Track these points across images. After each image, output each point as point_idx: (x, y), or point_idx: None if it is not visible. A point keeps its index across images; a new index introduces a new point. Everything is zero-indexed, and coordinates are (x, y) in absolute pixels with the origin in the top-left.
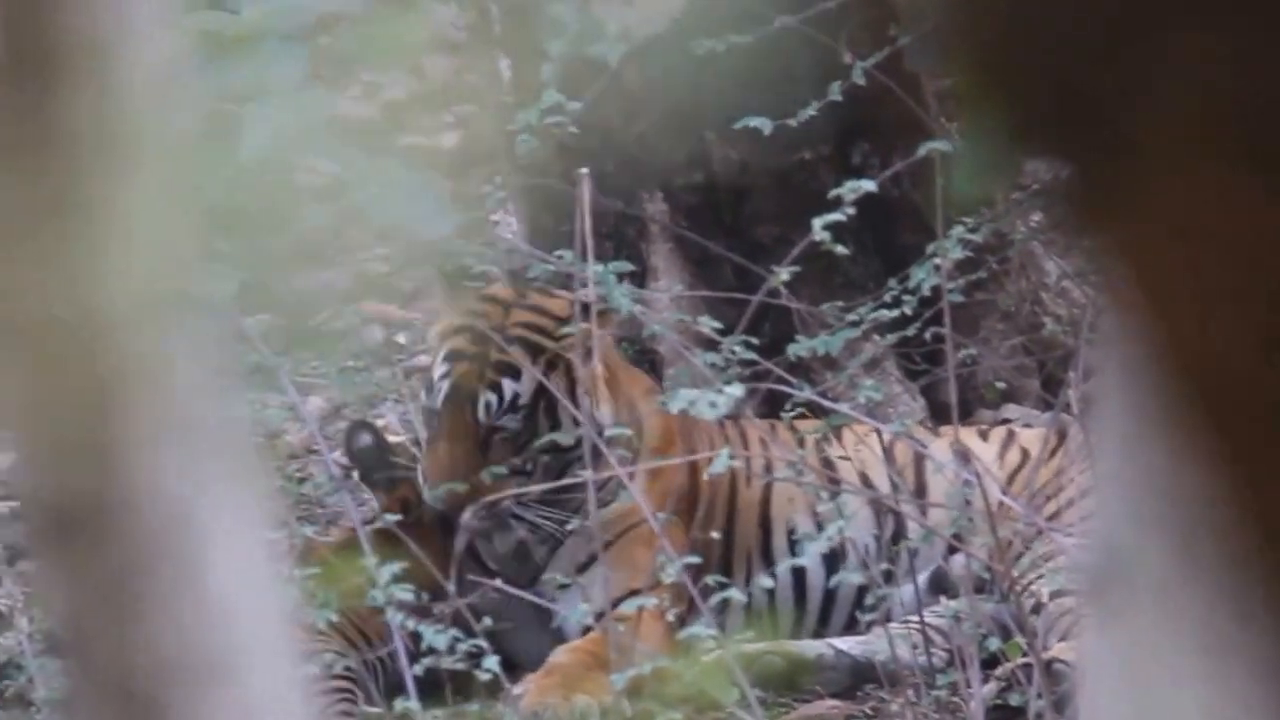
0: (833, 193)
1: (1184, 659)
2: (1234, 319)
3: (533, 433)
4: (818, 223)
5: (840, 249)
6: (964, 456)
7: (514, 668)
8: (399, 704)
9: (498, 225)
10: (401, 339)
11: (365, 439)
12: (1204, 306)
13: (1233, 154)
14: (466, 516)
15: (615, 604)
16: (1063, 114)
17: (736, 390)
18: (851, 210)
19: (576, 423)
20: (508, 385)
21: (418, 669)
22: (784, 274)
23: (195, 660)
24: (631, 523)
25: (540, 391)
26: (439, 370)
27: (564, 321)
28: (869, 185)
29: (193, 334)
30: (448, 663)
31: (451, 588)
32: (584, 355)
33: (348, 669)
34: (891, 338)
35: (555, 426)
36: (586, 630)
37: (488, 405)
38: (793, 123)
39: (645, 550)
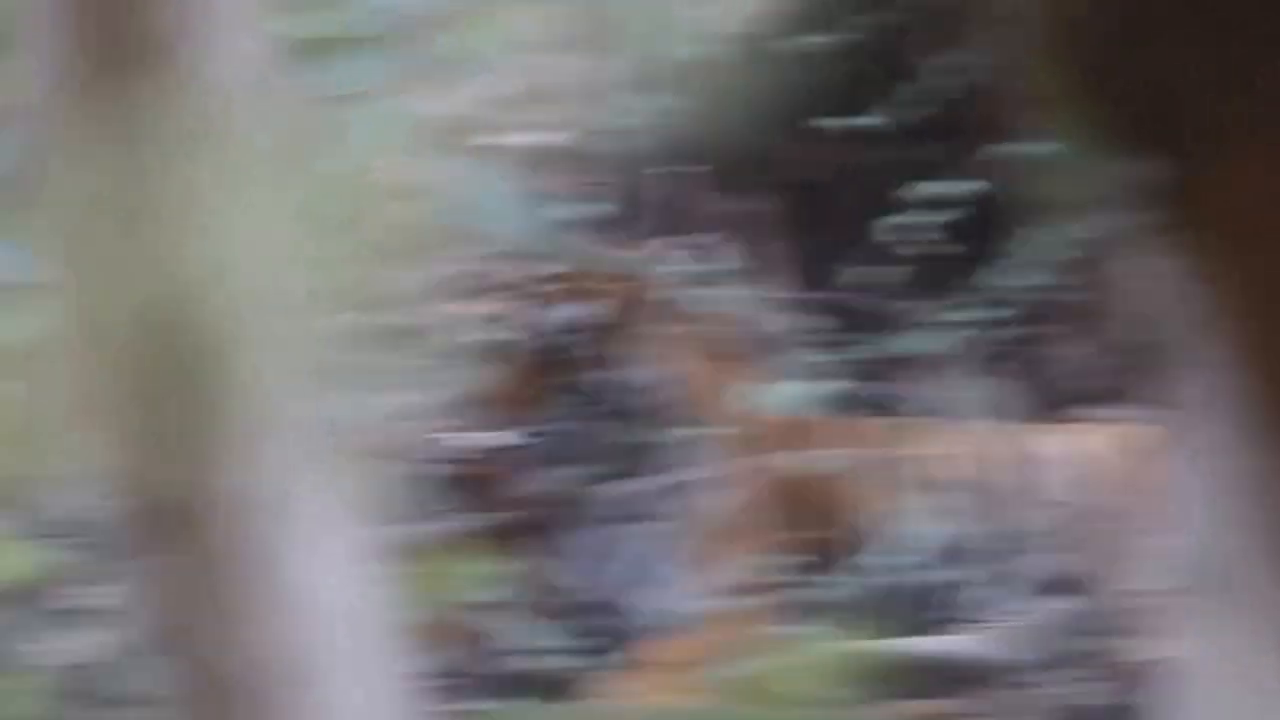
0: (917, 193)
1: (1275, 661)
2: None
3: (590, 360)
4: (902, 223)
5: (939, 250)
6: (1060, 454)
7: (609, 666)
8: (489, 703)
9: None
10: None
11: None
12: None
13: None
14: (516, 431)
15: (710, 601)
16: (1161, 115)
17: (824, 387)
18: (949, 211)
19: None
20: (577, 306)
21: (508, 667)
22: (883, 274)
23: (291, 658)
24: (724, 512)
25: (609, 321)
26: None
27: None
28: (965, 186)
29: (284, 334)
30: (538, 661)
31: (546, 586)
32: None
33: (436, 667)
34: (985, 336)
35: (610, 365)
36: (682, 628)
37: (556, 320)
38: (876, 121)
39: (741, 546)
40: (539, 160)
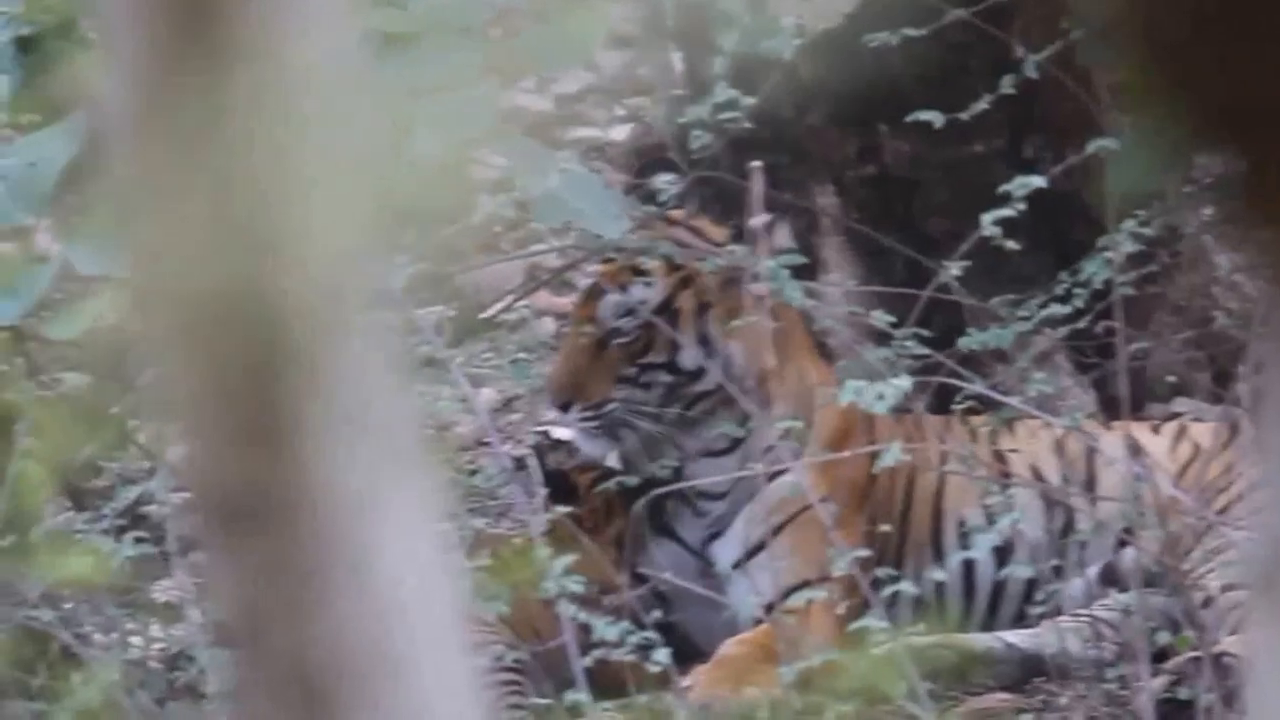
0: (1002, 188)
1: None
2: None
3: (648, 344)
4: (987, 218)
5: (1010, 244)
6: (1135, 450)
7: (685, 659)
8: (569, 696)
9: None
10: None
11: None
12: None
13: None
14: (571, 414)
15: (785, 595)
16: (1237, 108)
17: (904, 382)
18: (1022, 205)
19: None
20: (636, 288)
21: (588, 661)
22: (955, 269)
23: (368, 653)
24: (801, 507)
25: (667, 304)
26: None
27: (718, 245)
28: (1039, 181)
29: (367, 324)
30: (618, 655)
31: (623, 580)
32: (724, 285)
33: (518, 661)
34: (1062, 331)
35: (674, 345)
36: (757, 622)
37: (612, 305)
38: (964, 116)
39: (817, 540)
40: (626, 153)
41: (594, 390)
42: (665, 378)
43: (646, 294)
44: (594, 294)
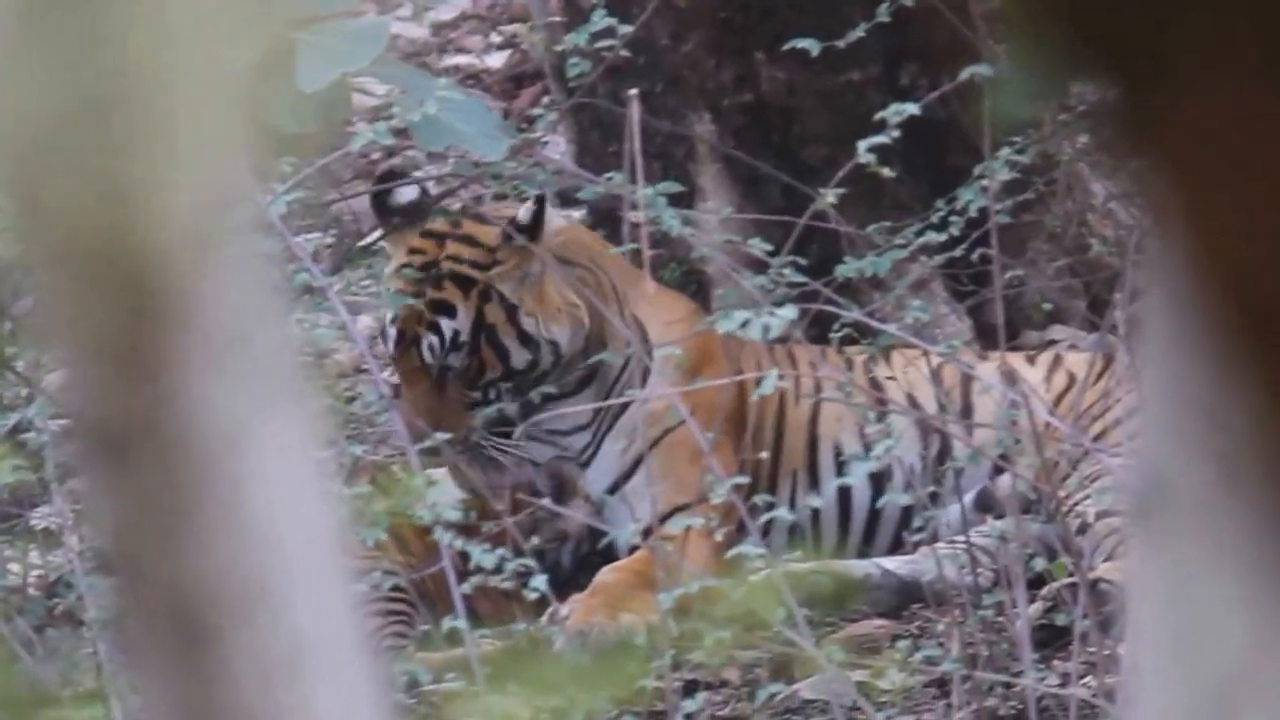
0: (878, 115)
1: (1228, 578)
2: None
3: (480, 367)
4: (863, 145)
5: (886, 171)
6: (1011, 378)
7: (561, 586)
8: (447, 622)
9: (546, 146)
10: None
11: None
12: (1248, 224)
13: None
14: (450, 455)
15: (662, 520)
16: (1110, 34)
17: (790, 312)
18: (898, 132)
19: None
20: (446, 324)
21: (466, 588)
22: (831, 196)
23: (245, 581)
24: (665, 430)
25: (479, 324)
26: (388, 315)
27: (494, 250)
28: (913, 108)
29: (244, 253)
30: (495, 581)
31: (501, 506)
32: (520, 281)
33: (397, 587)
34: (938, 259)
35: (502, 356)
36: (634, 549)
37: (431, 347)
38: (841, 44)
39: (691, 467)
40: (505, 82)
41: (454, 427)
42: (509, 384)
43: (456, 324)
44: (408, 342)
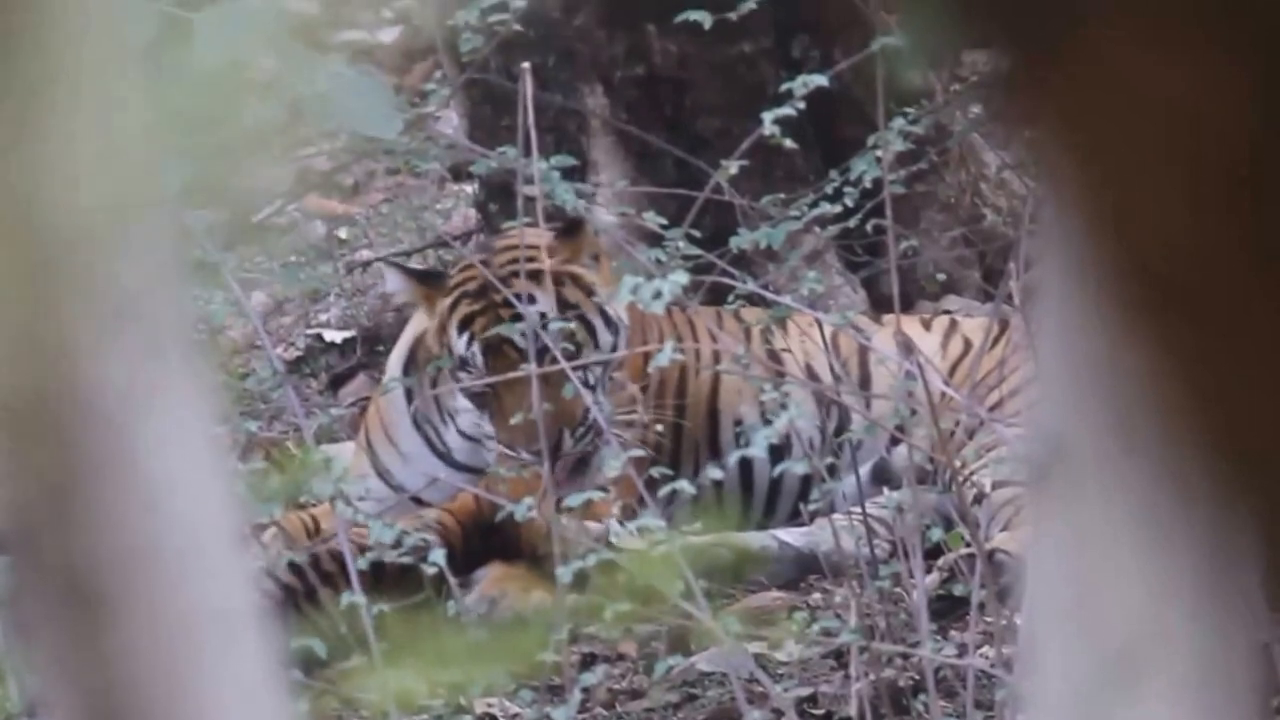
0: (784, 86)
1: (1126, 542)
2: (1172, 196)
3: (576, 348)
4: (768, 117)
5: (789, 143)
6: (906, 347)
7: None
8: (345, 597)
9: (439, 121)
10: (344, 234)
11: None
12: (1141, 191)
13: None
14: (568, 446)
15: (564, 492)
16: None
17: (681, 277)
18: (803, 105)
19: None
20: (529, 310)
21: (363, 563)
22: (732, 168)
23: (140, 556)
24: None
25: (563, 305)
26: (461, 349)
27: (546, 248)
28: (820, 79)
29: (137, 228)
30: (392, 557)
31: (399, 481)
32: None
33: (293, 563)
34: (832, 230)
35: (592, 333)
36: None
37: (522, 335)
38: (732, 16)
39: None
40: (397, 56)
41: (573, 414)
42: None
43: (540, 306)
44: (496, 349)
